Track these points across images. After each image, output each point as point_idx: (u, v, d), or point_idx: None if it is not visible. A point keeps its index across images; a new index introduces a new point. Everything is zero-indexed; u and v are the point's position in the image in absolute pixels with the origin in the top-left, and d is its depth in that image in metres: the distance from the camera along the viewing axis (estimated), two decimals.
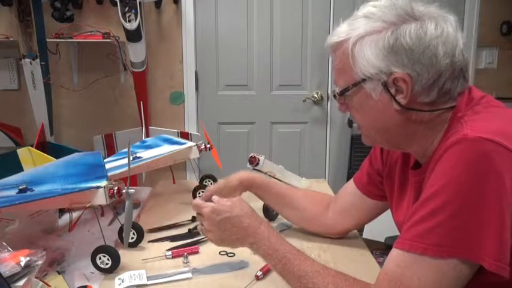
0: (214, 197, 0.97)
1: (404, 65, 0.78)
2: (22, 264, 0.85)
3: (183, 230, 1.27)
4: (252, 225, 0.91)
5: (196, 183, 1.58)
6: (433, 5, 0.82)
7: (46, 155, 1.34)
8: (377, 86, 0.81)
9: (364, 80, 0.81)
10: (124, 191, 1.03)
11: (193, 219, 1.33)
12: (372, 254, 1.14)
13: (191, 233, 1.25)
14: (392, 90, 0.80)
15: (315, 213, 1.19)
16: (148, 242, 1.19)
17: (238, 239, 0.93)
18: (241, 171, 1.21)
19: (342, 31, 0.84)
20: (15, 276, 0.83)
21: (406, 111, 0.81)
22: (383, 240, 2.30)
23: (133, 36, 2.32)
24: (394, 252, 0.77)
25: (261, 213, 1.26)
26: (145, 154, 1.45)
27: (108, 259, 1.01)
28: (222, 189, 1.13)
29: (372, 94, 0.82)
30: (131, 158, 1.31)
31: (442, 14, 0.81)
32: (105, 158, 1.34)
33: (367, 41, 0.80)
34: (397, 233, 0.99)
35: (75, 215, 1.29)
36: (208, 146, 1.53)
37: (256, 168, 1.36)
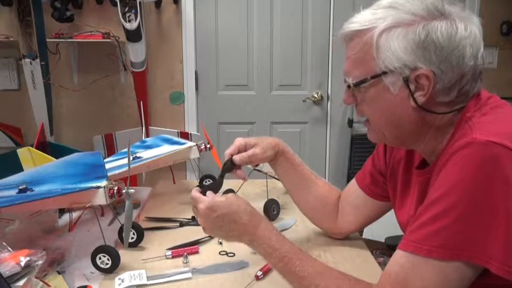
0: (209, 193, 0.93)
1: (431, 62, 0.76)
2: (22, 264, 0.85)
3: (182, 229, 1.27)
4: (251, 223, 0.88)
5: (196, 183, 1.58)
6: (458, 5, 0.80)
7: (46, 155, 1.34)
8: (397, 80, 0.78)
9: (385, 73, 0.78)
10: (124, 191, 1.03)
11: (193, 218, 1.33)
12: (372, 254, 1.14)
13: (195, 220, 1.29)
14: (412, 87, 0.78)
15: (329, 208, 1.15)
16: (148, 229, 1.19)
17: (235, 236, 0.90)
18: None
19: (366, 19, 0.79)
20: (15, 276, 0.83)
21: (421, 110, 0.79)
22: (383, 240, 2.30)
23: (134, 36, 2.32)
24: (398, 254, 0.76)
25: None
26: (145, 154, 1.45)
27: (108, 259, 1.01)
28: (253, 143, 1.07)
29: (390, 88, 0.79)
30: (131, 158, 1.31)
31: (468, 15, 0.79)
32: (105, 158, 1.34)
33: (395, 32, 0.77)
34: (397, 233, 0.99)
35: (75, 215, 1.29)
36: (208, 146, 1.53)
37: (256, 168, 1.35)
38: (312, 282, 0.81)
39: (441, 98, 0.79)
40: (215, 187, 0.97)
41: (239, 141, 1.06)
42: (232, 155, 1.04)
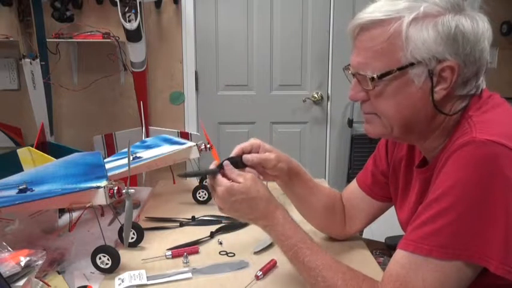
0: (227, 166, 0.91)
1: (457, 53, 0.75)
2: (22, 264, 0.85)
3: (182, 229, 1.28)
4: (267, 209, 0.88)
5: (196, 183, 1.58)
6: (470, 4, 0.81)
7: (46, 155, 1.34)
8: (423, 72, 0.76)
9: (412, 65, 0.76)
10: (124, 191, 1.03)
11: (193, 218, 1.33)
12: (372, 254, 1.14)
13: (195, 220, 1.32)
14: (435, 80, 0.77)
15: (338, 216, 1.13)
16: (148, 229, 1.19)
17: (251, 219, 0.91)
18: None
19: (388, 9, 0.77)
20: (15, 276, 0.83)
21: (445, 99, 0.78)
22: (383, 240, 2.29)
23: (134, 36, 2.32)
24: (399, 253, 0.76)
25: None
26: (145, 154, 1.45)
27: (108, 259, 1.01)
28: (268, 148, 1.00)
29: (414, 81, 0.77)
30: (131, 158, 1.31)
31: (480, 14, 0.79)
32: (105, 158, 1.34)
33: (424, 23, 0.75)
34: (397, 233, 0.99)
35: (75, 215, 1.29)
36: (208, 146, 1.53)
37: None
38: (319, 274, 0.81)
39: (459, 91, 0.79)
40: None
41: (256, 141, 1.00)
42: (243, 153, 0.97)
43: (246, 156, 0.96)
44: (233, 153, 0.97)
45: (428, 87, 0.77)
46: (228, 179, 0.90)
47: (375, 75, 0.78)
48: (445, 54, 0.75)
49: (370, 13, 0.78)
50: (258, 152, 0.99)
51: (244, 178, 0.89)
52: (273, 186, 1.35)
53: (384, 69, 0.77)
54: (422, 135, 0.84)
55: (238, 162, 0.96)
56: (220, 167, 0.92)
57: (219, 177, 0.91)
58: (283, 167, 1.01)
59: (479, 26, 0.76)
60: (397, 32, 0.76)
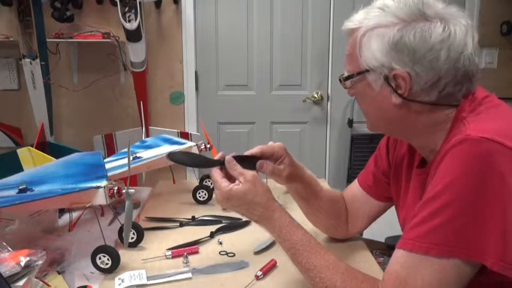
0: (230, 163, 0.90)
1: (405, 63, 0.78)
2: (22, 264, 0.85)
3: (182, 229, 1.28)
4: (264, 214, 0.89)
5: (196, 183, 1.58)
6: (453, 5, 0.81)
7: (46, 155, 1.34)
8: (378, 78, 0.82)
9: (367, 71, 0.83)
10: (124, 191, 1.03)
11: (193, 218, 1.33)
12: (372, 254, 1.14)
13: (195, 220, 1.32)
14: (393, 85, 0.81)
15: (342, 218, 1.13)
16: (148, 229, 1.19)
17: (250, 219, 0.93)
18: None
19: (357, 19, 0.84)
20: (15, 276, 0.83)
21: (406, 104, 0.81)
22: (383, 240, 2.30)
23: (134, 36, 2.32)
24: (398, 253, 0.77)
25: None
26: (145, 154, 1.45)
27: (108, 259, 1.01)
28: (283, 155, 0.99)
29: (373, 85, 0.83)
30: (131, 158, 1.31)
31: (457, 15, 0.79)
32: (105, 158, 1.34)
33: (375, 33, 0.80)
34: (397, 232, 0.99)
35: (75, 215, 1.30)
36: (208, 146, 1.53)
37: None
38: (317, 275, 0.82)
39: (421, 98, 0.81)
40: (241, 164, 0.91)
41: (280, 149, 0.99)
42: (261, 155, 0.97)
43: (261, 163, 0.96)
44: (251, 152, 0.97)
45: (387, 91, 0.82)
46: (228, 174, 0.91)
47: (342, 77, 0.88)
48: (391, 63, 0.80)
49: (348, 21, 0.86)
50: (277, 159, 0.99)
51: (244, 178, 0.89)
52: (273, 186, 1.35)
53: (350, 72, 0.87)
54: (405, 133, 0.90)
55: (250, 162, 0.94)
56: (222, 163, 0.92)
57: (218, 179, 0.90)
58: (287, 173, 1.00)
59: (432, 35, 0.76)
60: (355, 41, 0.84)
